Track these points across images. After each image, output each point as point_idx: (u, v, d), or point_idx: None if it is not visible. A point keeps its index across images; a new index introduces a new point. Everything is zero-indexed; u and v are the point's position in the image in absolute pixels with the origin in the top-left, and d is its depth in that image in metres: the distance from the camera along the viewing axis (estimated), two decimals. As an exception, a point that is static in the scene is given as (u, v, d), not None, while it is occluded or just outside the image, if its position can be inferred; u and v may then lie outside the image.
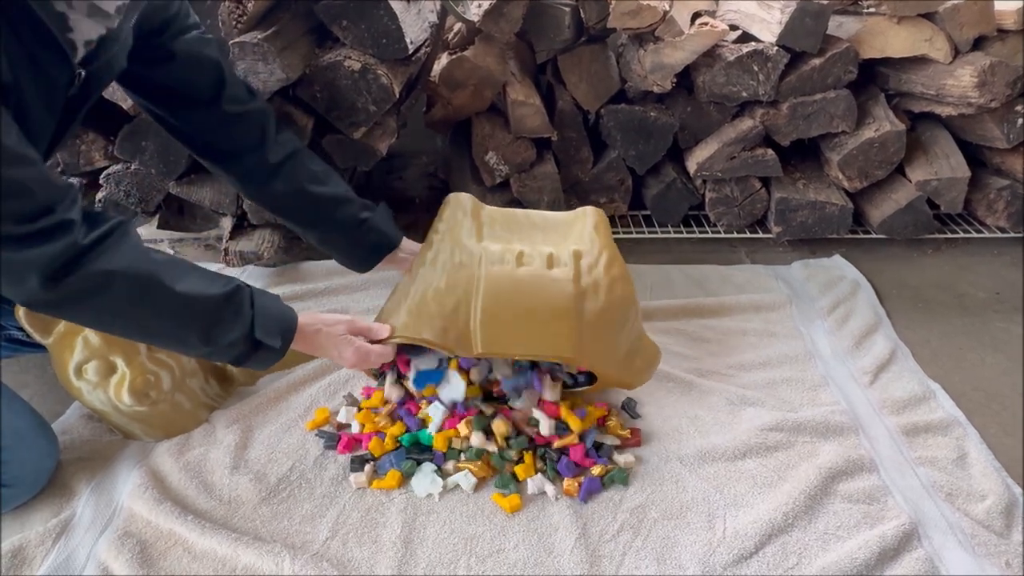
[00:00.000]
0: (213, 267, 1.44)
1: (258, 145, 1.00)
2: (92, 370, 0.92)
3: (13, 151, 0.69)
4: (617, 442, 0.96)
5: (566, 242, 0.98)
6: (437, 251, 0.96)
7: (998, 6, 1.37)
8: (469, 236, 0.97)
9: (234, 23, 1.14)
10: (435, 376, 0.97)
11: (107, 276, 0.75)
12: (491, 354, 0.91)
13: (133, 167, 1.31)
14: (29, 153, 0.72)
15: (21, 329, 0.93)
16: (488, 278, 0.91)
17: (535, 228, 1.02)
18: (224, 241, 1.41)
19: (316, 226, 1.07)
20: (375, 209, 1.08)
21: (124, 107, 1.21)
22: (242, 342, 0.82)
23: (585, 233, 0.99)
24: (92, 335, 0.91)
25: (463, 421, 0.94)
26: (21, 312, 0.90)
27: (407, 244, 1.10)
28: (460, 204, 1.02)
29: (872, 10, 1.43)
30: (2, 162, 0.68)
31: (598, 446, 0.95)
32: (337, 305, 1.30)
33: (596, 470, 0.91)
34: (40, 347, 0.95)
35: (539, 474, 0.90)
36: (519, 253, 0.94)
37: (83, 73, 0.80)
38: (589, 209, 1.03)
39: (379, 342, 0.92)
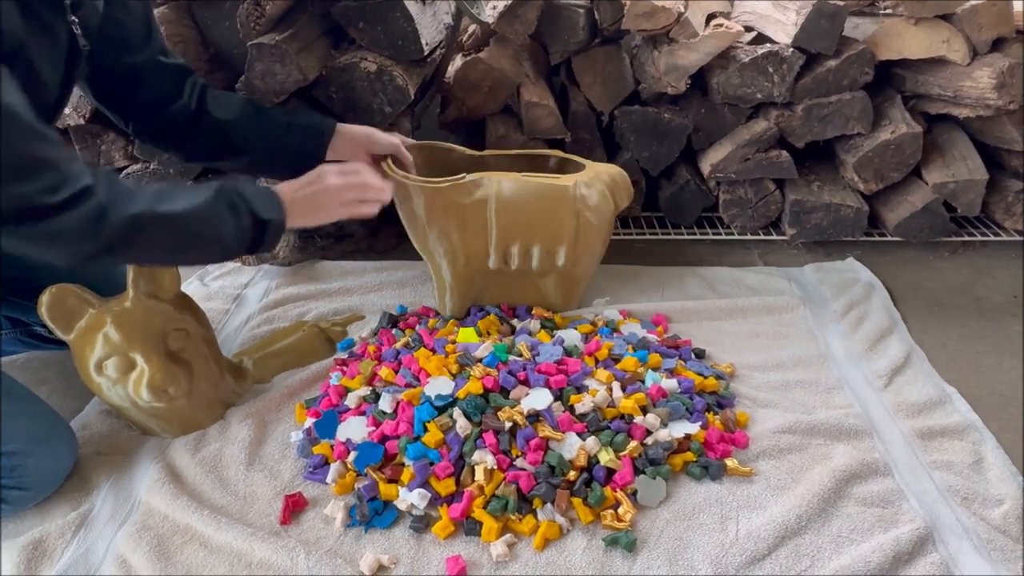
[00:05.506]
0: (228, 266, 1.46)
1: (179, 93, 1.02)
2: (112, 366, 0.93)
3: (34, 127, 0.72)
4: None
5: None
6: None
7: (1017, 7, 1.36)
8: None
9: (252, 25, 1.15)
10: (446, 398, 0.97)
11: (131, 222, 0.78)
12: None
13: (152, 167, 1.33)
14: (45, 129, 0.74)
15: (44, 325, 0.94)
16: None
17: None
18: (240, 240, 1.43)
19: (247, 149, 1.06)
20: (296, 110, 1.09)
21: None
22: (251, 227, 0.88)
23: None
24: (112, 332, 0.92)
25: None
26: (44, 309, 0.92)
27: (347, 130, 1.09)
28: None
29: (889, 11, 1.42)
30: (25, 138, 0.70)
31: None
32: (350, 304, 1.31)
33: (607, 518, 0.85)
34: (62, 344, 0.97)
35: (548, 504, 0.86)
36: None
37: (77, 21, 0.83)
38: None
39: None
